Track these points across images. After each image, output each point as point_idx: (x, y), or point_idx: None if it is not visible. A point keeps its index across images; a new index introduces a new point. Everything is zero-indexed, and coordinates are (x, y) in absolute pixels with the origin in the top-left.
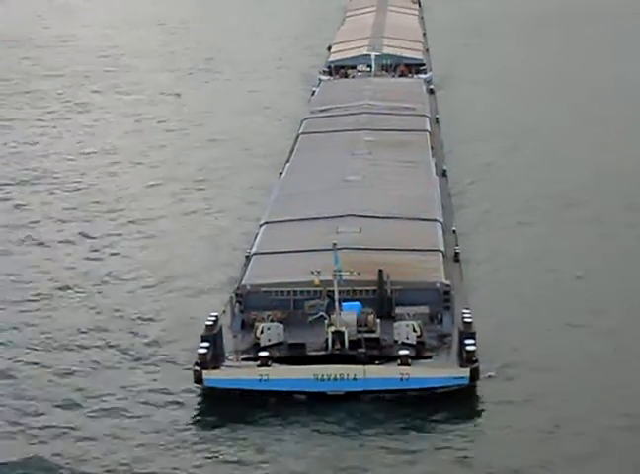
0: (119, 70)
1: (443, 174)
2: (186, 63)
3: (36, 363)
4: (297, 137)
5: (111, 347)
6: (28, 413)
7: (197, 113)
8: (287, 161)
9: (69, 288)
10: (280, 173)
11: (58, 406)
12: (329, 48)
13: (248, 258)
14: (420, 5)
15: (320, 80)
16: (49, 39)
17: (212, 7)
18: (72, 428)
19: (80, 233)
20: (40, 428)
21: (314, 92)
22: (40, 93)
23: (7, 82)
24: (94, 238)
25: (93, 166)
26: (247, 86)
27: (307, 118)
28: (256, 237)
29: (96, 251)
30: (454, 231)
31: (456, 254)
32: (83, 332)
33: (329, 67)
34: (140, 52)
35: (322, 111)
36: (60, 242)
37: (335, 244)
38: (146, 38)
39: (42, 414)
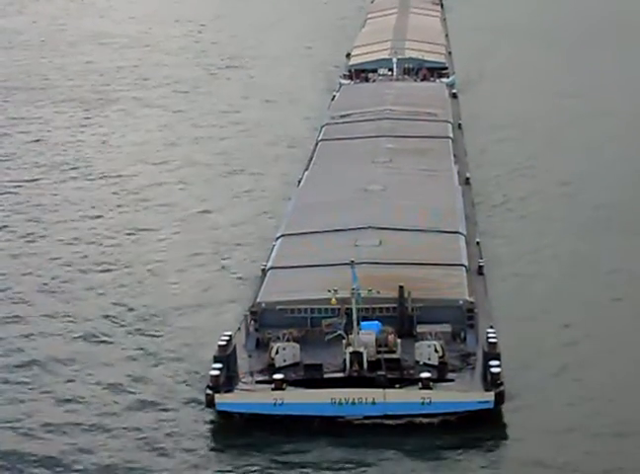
0: (147, 65)
1: (467, 182)
2: (211, 60)
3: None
4: (317, 144)
5: (115, 363)
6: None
7: (221, 107)
8: (306, 169)
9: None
10: (299, 181)
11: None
12: (348, 55)
13: (264, 272)
14: (442, 6)
15: (340, 84)
16: (80, 36)
17: (236, 5)
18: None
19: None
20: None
21: (334, 96)
22: (71, 88)
23: (40, 79)
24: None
25: (120, 157)
26: (270, 82)
27: (327, 124)
28: (272, 250)
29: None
30: (478, 243)
31: (480, 267)
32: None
33: (350, 71)
34: (168, 49)
35: (342, 116)
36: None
37: (353, 261)
38: (174, 34)
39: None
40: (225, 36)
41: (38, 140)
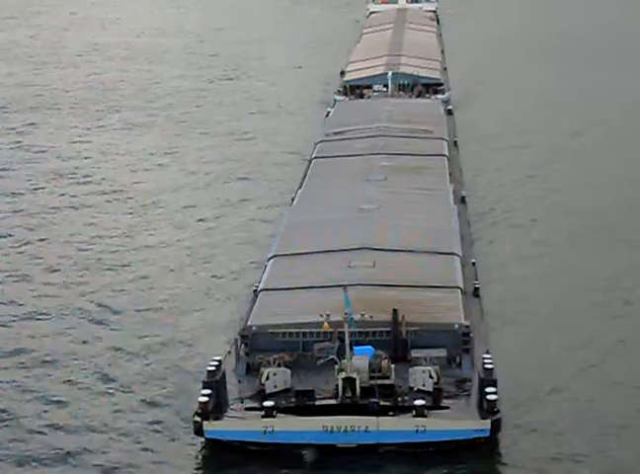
0: (148, 77)
1: (462, 200)
2: (210, 72)
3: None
4: (310, 162)
5: (97, 387)
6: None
7: (218, 120)
8: (300, 187)
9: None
10: (292, 200)
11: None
12: (342, 73)
13: (255, 293)
14: (438, 22)
15: (335, 100)
16: (81, 49)
17: (236, 19)
18: None
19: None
20: None
21: (329, 113)
22: (72, 99)
23: (41, 90)
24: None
25: (120, 166)
26: (266, 96)
27: (321, 141)
28: (264, 271)
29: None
30: (474, 263)
31: (476, 289)
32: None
33: (344, 87)
34: (169, 60)
35: (336, 133)
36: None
37: (345, 286)
38: (175, 46)
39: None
40: (224, 49)
41: (38, 150)
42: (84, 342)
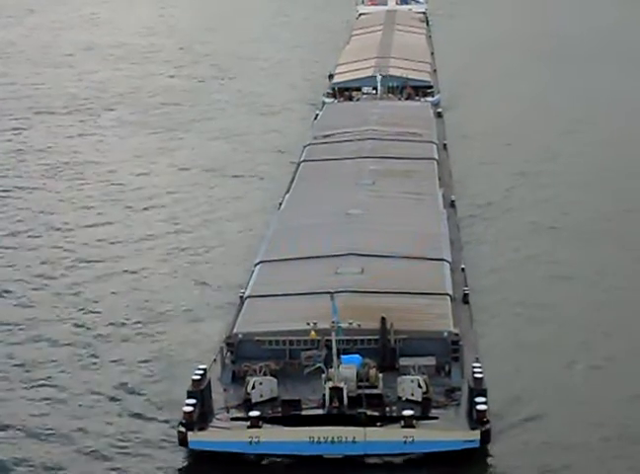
0: (140, 76)
1: (452, 205)
2: (201, 71)
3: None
4: (298, 165)
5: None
6: None
7: (208, 117)
8: (287, 191)
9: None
10: (280, 204)
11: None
12: (330, 76)
13: (241, 300)
14: (428, 24)
15: (323, 102)
16: (75, 48)
17: (228, 19)
18: None
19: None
20: None
21: (317, 115)
22: (64, 98)
23: (33, 89)
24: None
25: (110, 166)
26: (256, 97)
27: (309, 145)
28: (250, 277)
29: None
30: (463, 269)
31: (465, 295)
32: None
33: (333, 89)
34: (161, 60)
35: (325, 136)
36: None
37: (332, 294)
38: (167, 46)
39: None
40: (217, 48)
41: (30, 149)
42: (66, 347)
